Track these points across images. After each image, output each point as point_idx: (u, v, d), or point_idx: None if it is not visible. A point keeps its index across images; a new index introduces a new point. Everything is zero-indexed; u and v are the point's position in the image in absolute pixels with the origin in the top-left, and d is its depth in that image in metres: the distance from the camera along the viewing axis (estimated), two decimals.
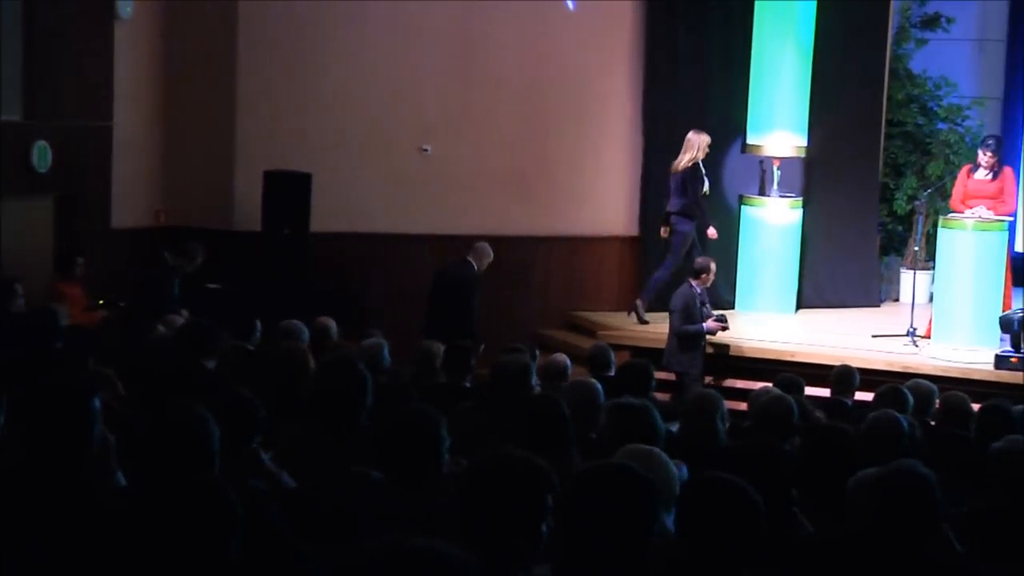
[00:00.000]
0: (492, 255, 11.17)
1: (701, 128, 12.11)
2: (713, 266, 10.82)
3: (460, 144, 12.46)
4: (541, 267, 12.70)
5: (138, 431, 4.30)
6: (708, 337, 10.85)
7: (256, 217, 11.36)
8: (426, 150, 12.39)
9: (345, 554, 2.53)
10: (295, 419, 5.39)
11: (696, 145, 11.99)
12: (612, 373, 8.20)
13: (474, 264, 11.04)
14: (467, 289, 10.84)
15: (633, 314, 12.01)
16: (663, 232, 12.25)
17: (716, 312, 10.96)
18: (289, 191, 11.31)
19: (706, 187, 12.06)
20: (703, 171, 12.03)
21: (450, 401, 6.56)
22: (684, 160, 12.03)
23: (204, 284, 11.20)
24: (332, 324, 8.82)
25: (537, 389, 7.20)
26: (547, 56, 12.62)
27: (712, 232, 12.07)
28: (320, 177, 11.41)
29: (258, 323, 8.30)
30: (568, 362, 8.05)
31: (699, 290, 10.71)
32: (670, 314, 10.73)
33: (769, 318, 12.55)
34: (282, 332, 8.04)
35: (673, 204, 12.07)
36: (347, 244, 11.98)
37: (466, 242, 12.21)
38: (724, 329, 10.86)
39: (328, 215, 11.54)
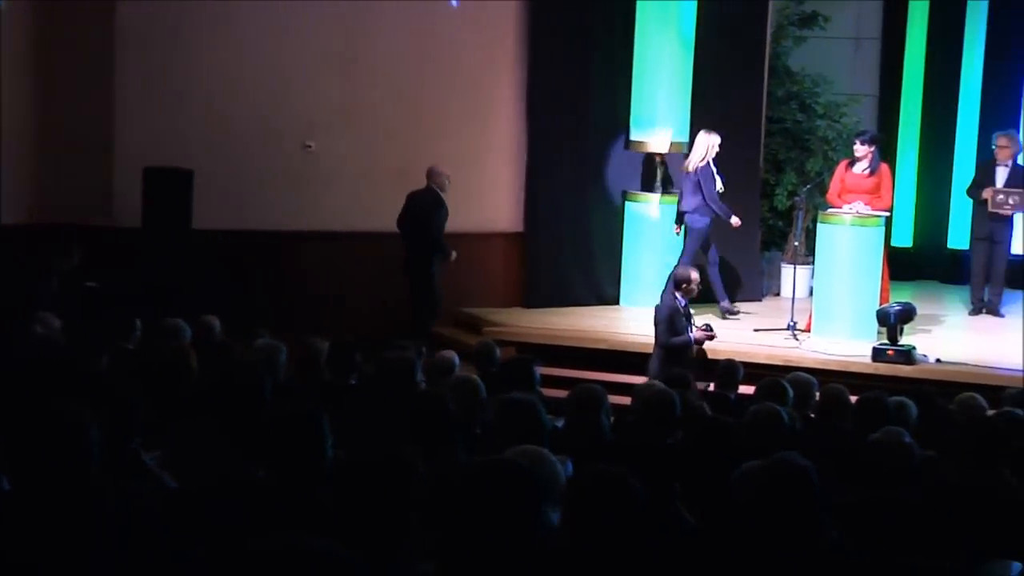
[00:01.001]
0: (448, 174, 11.87)
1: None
2: (695, 276, 10.53)
3: (345, 141, 12.38)
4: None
5: (14, 432, 4.21)
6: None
7: (137, 214, 11.20)
8: (310, 147, 12.30)
9: (229, 554, 2.50)
10: (180, 419, 5.31)
11: (707, 145, 12.21)
12: (497, 369, 8.21)
13: (435, 187, 11.79)
14: (430, 211, 11.71)
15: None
16: (676, 230, 12.43)
17: (701, 322, 10.67)
18: (170, 188, 11.16)
19: (719, 185, 12.28)
20: (715, 169, 12.24)
21: (335, 399, 6.52)
22: (696, 159, 12.23)
23: (83, 282, 11.00)
24: (215, 322, 8.71)
25: (423, 386, 7.19)
26: (431, 53, 12.59)
27: (736, 221, 12.31)
28: (202, 174, 11.27)
29: (138, 322, 8.17)
30: (455, 359, 8.04)
31: (683, 301, 10.41)
32: (655, 327, 10.38)
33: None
34: (163, 331, 7.93)
35: (687, 203, 12.25)
36: (230, 241, 11.84)
37: (352, 239, 12.18)
38: (711, 338, 10.52)
39: (211, 212, 11.40)
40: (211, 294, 10.61)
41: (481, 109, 12.85)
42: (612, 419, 6.51)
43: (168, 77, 11.91)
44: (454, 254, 11.86)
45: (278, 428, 4.37)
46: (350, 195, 12.36)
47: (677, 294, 10.38)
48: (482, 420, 6.02)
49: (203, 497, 4.40)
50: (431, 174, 11.92)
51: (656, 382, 7.77)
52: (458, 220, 12.59)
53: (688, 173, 12.30)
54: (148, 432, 4.91)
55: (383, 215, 12.24)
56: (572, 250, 12.88)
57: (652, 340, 11.37)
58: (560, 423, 6.26)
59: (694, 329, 10.39)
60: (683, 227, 12.40)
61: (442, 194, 11.88)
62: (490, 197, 12.94)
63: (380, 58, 12.44)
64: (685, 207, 12.31)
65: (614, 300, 12.98)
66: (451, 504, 3.40)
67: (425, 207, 11.80)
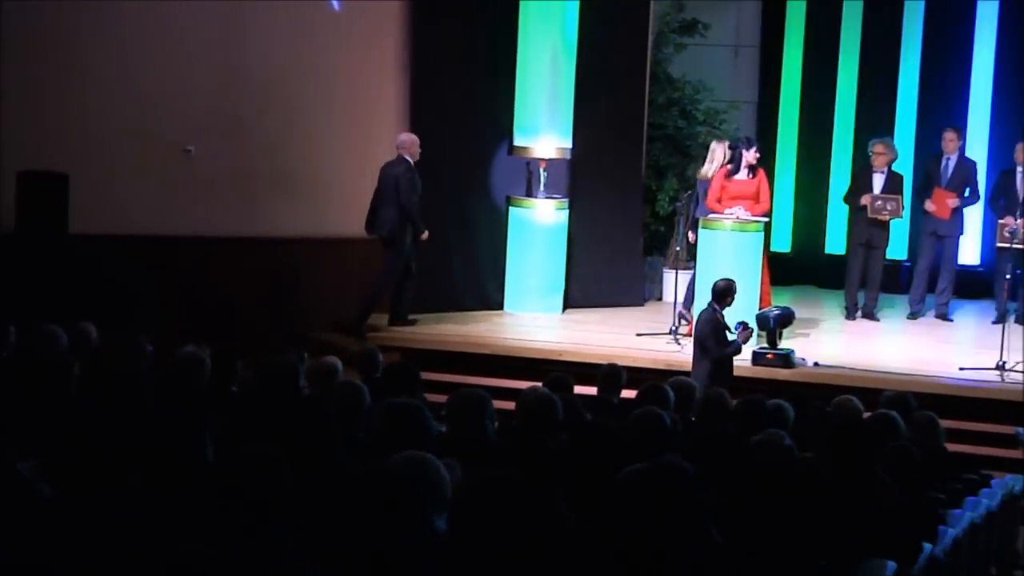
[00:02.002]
0: (416, 140, 11.97)
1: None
2: (736, 288, 10.29)
3: (225, 145, 12.24)
4: (310, 269, 12.56)
5: None
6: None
7: (10, 218, 10.96)
8: (189, 151, 12.14)
9: (108, 562, 2.47)
10: (59, 428, 5.21)
11: (722, 153, 12.34)
12: (380, 375, 8.18)
13: (407, 157, 11.86)
14: (401, 181, 11.78)
15: (682, 321, 11.85)
16: (691, 237, 12.45)
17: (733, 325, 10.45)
18: (44, 192, 10.94)
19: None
20: None
21: (216, 406, 6.44)
22: (712, 168, 12.33)
23: None
24: (92, 329, 8.55)
25: (306, 391, 7.12)
26: (313, 58, 12.50)
27: None
28: (79, 178, 11.06)
29: (12, 329, 8.00)
30: (338, 364, 7.99)
31: (721, 313, 10.18)
32: (698, 342, 10.05)
33: (537, 318, 12.72)
34: (39, 338, 7.76)
35: (703, 210, 12.31)
36: (108, 246, 11.64)
37: (232, 245, 12.03)
38: (751, 334, 10.42)
39: (88, 217, 11.19)
40: (88, 299, 10.42)
41: (364, 113, 12.79)
42: (496, 424, 6.52)
43: (46, 80, 11.66)
44: (426, 233, 11.94)
45: (157, 435, 4.31)
46: (230, 200, 12.22)
47: (717, 306, 10.09)
48: (366, 425, 5.99)
49: (80, 506, 4.32)
50: (400, 143, 11.95)
51: (540, 387, 7.79)
52: (341, 225, 12.54)
53: (703, 180, 12.48)
54: (24, 441, 4.80)
55: (262, 220, 12.14)
56: (456, 255, 12.87)
57: (536, 344, 11.43)
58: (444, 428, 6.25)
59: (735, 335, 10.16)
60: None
61: (412, 163, 11.89)
62: None
63: (261, 63, 12.32)
64: (700, 213, 12.43)
65: (498, 305, 13.01)
66: (334, 510, 3.38)
67: (395, 177, 11.81)
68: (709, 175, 12.41)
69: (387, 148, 12.81)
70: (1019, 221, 12.74)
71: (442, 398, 6.91)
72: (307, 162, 12.50)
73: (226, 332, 9.78)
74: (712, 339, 9.94)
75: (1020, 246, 12.63)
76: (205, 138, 12.17)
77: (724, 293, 10.04)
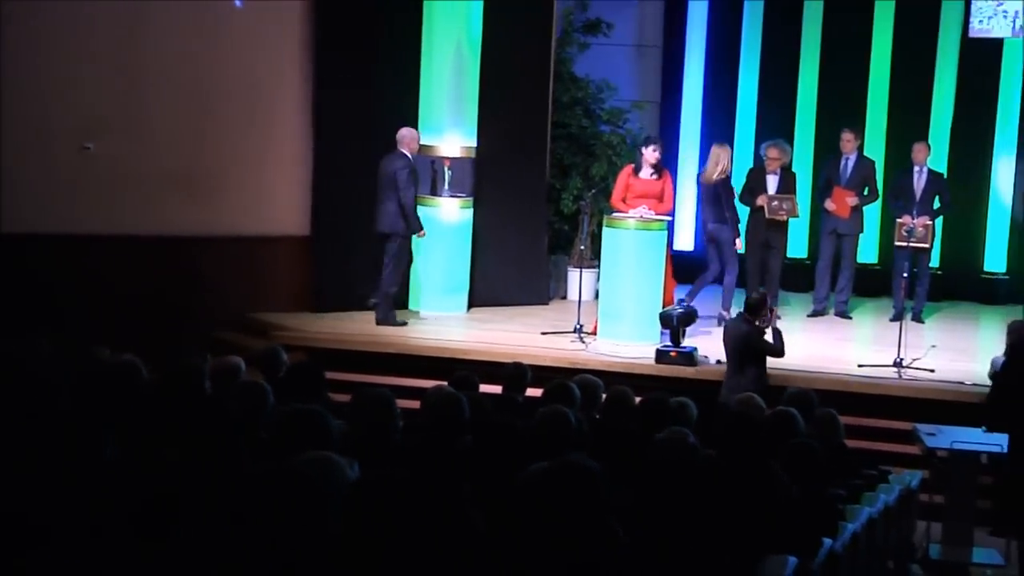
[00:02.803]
0: (417, 135, 12.20)
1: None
2: (768, 301, 10.23)
3: (127, 143, 12.06)
4: (214, 268, 12.43)
5: None
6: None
7: None
8: (88, 148, 11.95)
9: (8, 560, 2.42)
10: None
11: (726, 157, 12.62)
12: (284, 374, 8.11)
13: (405, 151, 11.99)
14: (399, 177, 11.90)
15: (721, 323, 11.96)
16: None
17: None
18: None
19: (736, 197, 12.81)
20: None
21: (120, 406, 6.34)
22: (717, 172, 12.53)
23: None
24: None
25: (210, 391, 7.04)
26: (217, 54, 12.37)
27: (738, 243, 12.80)
28: None
29: None
30: (242, 364, 7.91)
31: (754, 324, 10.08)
32: (740, 352, 9.93)
33: (443, 317, 12.70)
34: None
35: (711, 215, 12.63)
36: (5, 246, 11.43)
37: (131, 243, 11.87)
38: (779, 317, 10.52)
39: None
40: None
41: (268, 111, 12.68)
42: (401, 423, 6.49)
43: None
44: (423, 231, 12.07)
45: (59, 435, 4.25)
46: (133, 199, 12.05)
47: (752, 319, 9.99)
48: (268, 426, 5.93)
49: None
50: (400, 137, 12.03)
51: (445, 386, 7.78)
52: (245, 223, 12.44)
53: (708, 184, 12.64)
54: None
55: (163, 219, 12.00)
56: (361, 254, 12.80)
57: (441, 343, 11.41)
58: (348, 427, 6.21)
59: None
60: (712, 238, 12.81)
61: (411, 157, 12.00)
62: (276, 200, 12.78)
63: (162, 59, 12.16)
64: (708, 219, 12.68)
65: (403, 304, 12.97)
66: (236, 510, 3.35)
67: (393, 172, 11.90)
68: (713, 178, 12.62)
69: (290, 146, 12.74)
70: (916, 220, 12.96)
71: (347, 398, 6.87)
72: (211, 161, 12.37)
73: (129, 332, 9.65)
74: (757, 346, 9.92)
75: (917, 244, 12.85)
76: (103, 135, 11.98)
77: (759, 306, 10.03)
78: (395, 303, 12.42)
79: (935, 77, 15.12)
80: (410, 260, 12.34)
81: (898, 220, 13.10)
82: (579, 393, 7.60)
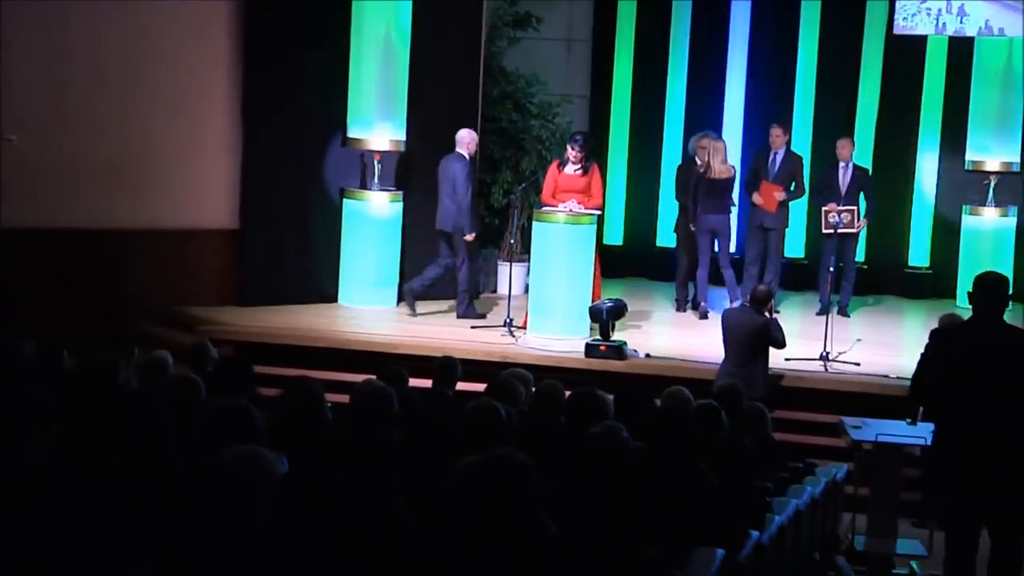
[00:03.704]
0: (475, 136, 12.51)
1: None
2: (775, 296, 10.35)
3: (52, 134, 11.90)
4: (140, 261, 12.31)
5: None
6: None
7: None
8: (12, 140, 11.77)
9: None
10: None
11: (723, 148, 12.86)
12: (212, 369, 8.05)
13: (464, 152, 12.30)
14: (458, 178, 12.17)
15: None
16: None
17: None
18: None
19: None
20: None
21: (39, 402, 6.26)
22: (716, 163, 12.73)
23: None
24: None
25: (133, 386, 6.97)
26: (143, 43, 12.23)
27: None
28: None
29: None
30: (169, 358, 7.84)
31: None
32: (748, 346, 9.98)
33: (372, 311, 12.67)
34: None
35: (712, 206, 12.77)
36: None
37: (57, 236, 11.73)
38: (778, 312, 10.73)
39: None
40: None
41: (195, 103, 12.57)
42: (331, 417, 6.46)
43: None
44: (473, 235, 12.35)
45: None
46: (59, 191, 11.89)
47: (761, 310, 10.07)
48: (200, 421, 5.89)
49: None
50: (459, 138, 12.35)
51: (374, 379, 7.75)
52: (172, 216, 12.33)
53: (714, 179, 12.75)
54: None
55: (90, 211, 11.86)
56: (290, 247, 12.75)
57: (371, 337, 11.38)
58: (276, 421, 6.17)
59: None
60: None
61: (469, 158, 12.31)
62: (204, 193, 12.68)
63: (88, 50, 12.01)
64: (705, 211, 12.78)
65: (333, 298, 12.93)
66: (166, 507, 3.32)
67: (452, 174, 12.15)
68: (715, 173, 12.72)
69: (218, 138, 12.64)
70: (843, 211, 13.04)
71: (276, 392, 6.83)
72: (138, 153, 12.23)
73: (53, 326, 9.52)
74: (774, 335, 10.00)
75: (844, 231, 12.93)
76: (30, 127, 11.81)
77: (766, 299, 10.15)
78: (324, 297, 12.38)
79: (861, 74, 15.32)
80: (448, 266, 12.59)
81: (824, 208, 13.15)
82: (523, 389, 7.60)
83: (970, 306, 7.21)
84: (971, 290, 7.18)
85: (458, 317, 12.39)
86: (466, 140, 12.37)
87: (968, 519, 7.15)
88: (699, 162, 13.33)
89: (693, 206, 12.93)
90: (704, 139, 13.40)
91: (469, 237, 12.32)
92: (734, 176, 13.00)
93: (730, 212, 13.04)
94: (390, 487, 4.58)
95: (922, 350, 7.37)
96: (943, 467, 7.16)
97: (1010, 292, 7.20)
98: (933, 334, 7.49)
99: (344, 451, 5.29)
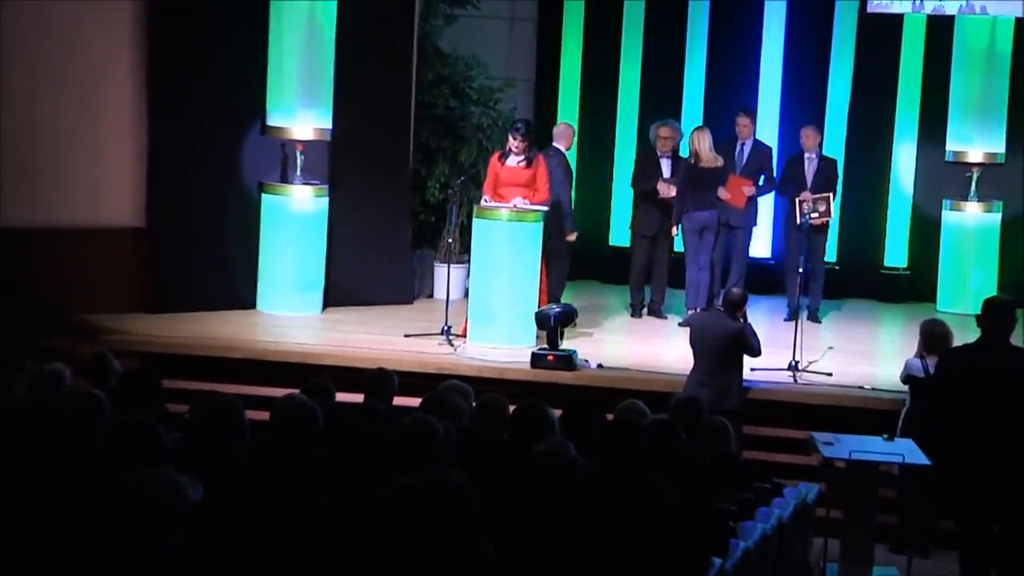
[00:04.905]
0: (573, 131, 13.39)
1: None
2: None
3: None
4: (37, 264, 12.19)
5: None
6: None
7: None
8: None
9: None
10: None
11: (706, 137, 13.03)
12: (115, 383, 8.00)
13: (560, 147, 12.97)
14: (553, 174, 12.40)
15: None
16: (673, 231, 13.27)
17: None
18: None
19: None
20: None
21: None
22: (713, 155, 12.93)
23: None
24: None
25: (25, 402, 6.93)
26: (42, 26, 12.13)
27: (675, 231, 13.33)
28: None
29: None
30: (66, 371, 7.79)
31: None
32: (722, 353, 10.04)
33: (294, 318, 12.63)
34: None
35: (699, 201, 12.97)
36: None
37: None
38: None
39: None
40: None
41: (97, 93, 12.46)
42: (249, 435, 6.45)
43: None
44: (574, 235, 12.89)
45: None
46: None
47: (735, 314, 10.15)
48: (102, 441, 5.86)
49: None
50: (556, 132, 13.13)
51: (297, 394, 7.73)
52: (73, 215, 12.23)
53: (706, 168, 12.91)
54: None
55: None
56: (202, 248, 12.67)
57: (293, 347, 11.36)
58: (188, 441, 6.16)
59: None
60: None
61: (566, 154, 12.94)
62: (107, 189, 12.58)
63: None
64: (691, 207, 12.95)
65: (250, 304, 12.87)
66: (60, 536, 3.31)
67: (549, 170, 12.29)
68: (705, 162, 12.85)
69: (123, 129, 12.56)
70: (818, 199, 13.11)
71: (187, 409, 6.80)
72: (36, 149, 12.13)
73: None
74: (750, 340, 10.09)
75: (819, 221, 12.99)
76: None
77: (740, 302, 10.22)
78: (241, 303, 12.35)
79: (831, 57, 15.41)
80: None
81: (798, 198, 13.21)
82: (462, 404, 7.61)
83: (978, 328, 7.98)
84: (979, 314, 7.98)
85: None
86: (563, 134, 13.13)
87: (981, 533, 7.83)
88: (659, 153, 13.40)
89: (679, 201, 12.97)
90: (665, 127, 13.47)
91: (572, 237, 12.86)
92: (723, 166, 13.06)
93: (717, 207, 13.09)
94: (316, 512, 4.58)
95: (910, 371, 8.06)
96: (952, 491, 7.71)
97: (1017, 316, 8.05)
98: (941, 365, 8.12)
99: (264, 474, 5.28)
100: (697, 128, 13.31)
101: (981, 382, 7.74)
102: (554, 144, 13.01)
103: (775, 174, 13.88)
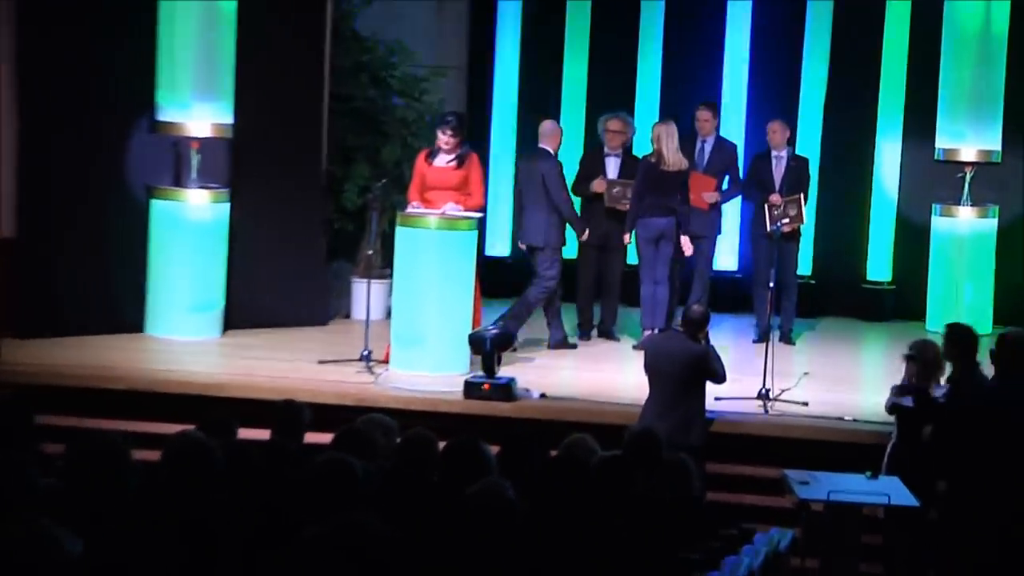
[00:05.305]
0: (559, 129, 13.37)
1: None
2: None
3: None
4: None
5: None
6: None
7: None
8: None
9: None
10: None
11: (673, 134, 13.01)
12: None
13: (548, 148, 13.04)
14: (548, 178, 12.85)
15: None
16: (626, 239, 13.28)
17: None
18: None
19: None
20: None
21: None
22: (669, 152, 12.84)
23: None
24: None
25: None
26: None
27: (627, 238, 13.35)
28: None
29: None
30: None
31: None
32: (685, 379, 10.03)
33: (190, 343, 12.57)
34: None
35: (660, 206, 12.95)
36: None
37: None
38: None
39: None
40: None
41: None
42: (137, 478, 6.42)
43: None
44: (587, 233, 13.19)
45: None
46: None
47: (697, 335, 10.18)
48: None
49: None
50: (542, 132, 13.15)
51: (194, 430, 7.71)
52: None
53: (668, 171, 12.83)
54: None
55: None
56: (81, 262, 12.59)
57: (188, 377, 11.31)
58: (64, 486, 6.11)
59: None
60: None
61: (554, 153, 13.06)
62: None
63: None
64: (652, 212, 12.92)
65: (138, 327, 12.80)
66: None
67: (541, 174, 12.83)
68: (669, 165, 12.77)
69: None
70: (788, 202, 13.19)
71: (64, 449, 6.74)
72: None
73: None
74: (718, 364, 10.14)
75: (791, 227, 13.07)
76: None
77: (702, 322, 10.22)
78: (126, 326, 12.29)
79: (805, 43, 15.50)
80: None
81: (769, 201, 13.28)
82: (384, 440, 7.60)
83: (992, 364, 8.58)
84: (993, 349, 8.56)
85: (551, 347, 13.07)
86: (549, 132, 13.14)
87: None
88: (608, 149, 13.44)
89: (635, 205, 12.94)
90: (615, 120, 13.52)
91: (584, 237, 13.20)
92: (688, 169, 13.02)
93: (676, 215, 13.05)
94: (213, 566, 4.56)
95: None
96: (955, 538, 7.93)
97: None
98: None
99: (154, 524, 5.25)
100: (662, 123, 13.11)
101: (999, 421, 8.15)
102: (541, 146, 13.07)
103: (741, 175, 13.93)
